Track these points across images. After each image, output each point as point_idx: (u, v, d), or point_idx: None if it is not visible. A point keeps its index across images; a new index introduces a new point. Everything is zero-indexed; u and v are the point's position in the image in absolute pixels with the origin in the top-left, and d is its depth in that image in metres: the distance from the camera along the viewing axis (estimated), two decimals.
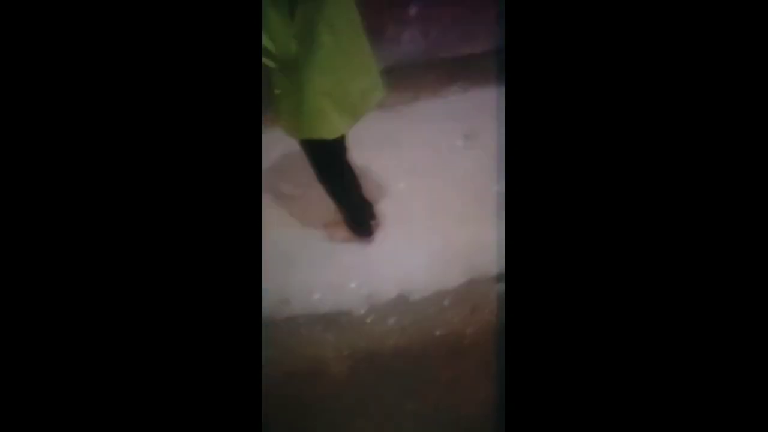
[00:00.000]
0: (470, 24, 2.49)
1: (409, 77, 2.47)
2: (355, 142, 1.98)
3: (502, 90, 2.19)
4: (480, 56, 2.46)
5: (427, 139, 2.29)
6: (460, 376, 1.59)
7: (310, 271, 1.92)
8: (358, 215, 1.87)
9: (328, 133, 1.43)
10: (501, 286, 1.81)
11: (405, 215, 2.04)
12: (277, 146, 1.97)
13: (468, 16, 2.49)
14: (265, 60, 1.21)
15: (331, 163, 1.64)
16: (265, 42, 1.17)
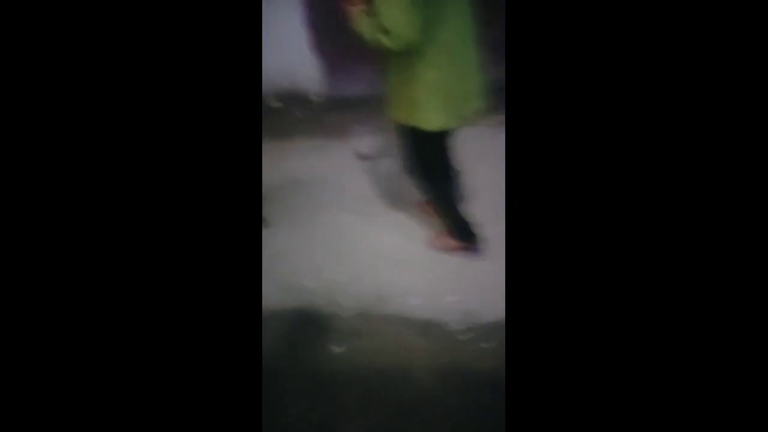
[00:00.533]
0: None
1: None
2: (472, 156, 1.95)
3: None
4: None
5: None
6: None
7: (411, 275, 1.90)
8: (460, 223, 1.80)
9: (426, 123, 1.46)
10: None
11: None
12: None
13: None
14: (385, 39, 1.28)
15: (430, 160, 1.63)
16: (389, 22, 1.24)
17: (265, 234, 2.08)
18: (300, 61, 2.78)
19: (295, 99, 2.90)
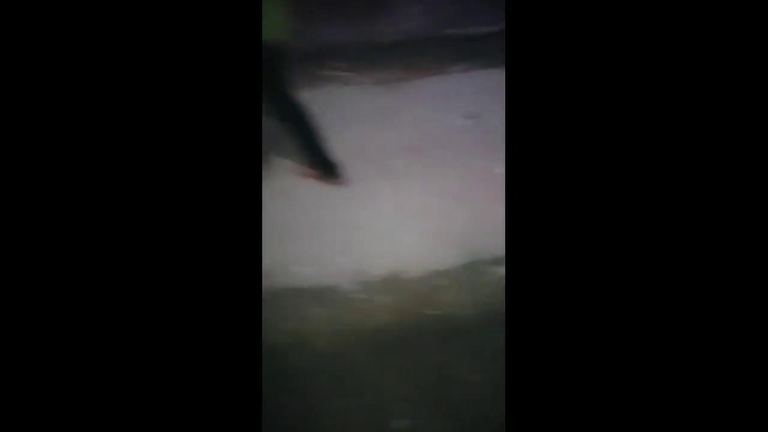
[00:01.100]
0: (477, 3, 2.42)
1: (411, 54, 2.39)
2: (352, 117, 1.90)
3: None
4: (485, 36, 2.39)
5: (426, 117, 2.20)
6: (452, 358, 1.50)
7: (295, 243, 1.82)
8: (319, 155, 1.99)
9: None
10: (499, 270, 1.72)
11: (401, 193, 1.95)
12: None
13: None
14: None
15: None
16: None
17: None
18: None
19: None
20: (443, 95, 2.27)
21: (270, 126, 1.98)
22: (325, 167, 2.03)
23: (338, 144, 2.01)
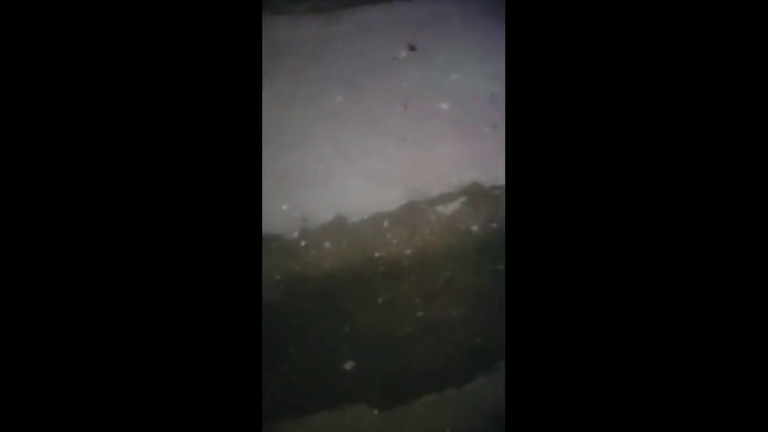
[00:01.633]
0: None
1: None
2: (286, 47, 1.75)
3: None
4: None
5: (367, 49, 2.08)
6: (396, 297, 1.55)
7: None
8: None
9: None
10: (440, 208, 1.74)
11: (342, 132, 1.88)
12: None
13: None
14: None
15: None
16: None
17: None
18: None
19: None
20: (386, 25, 2.13)
21: None
22: None
23: (271, 79, 1.87)
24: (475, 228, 1.70)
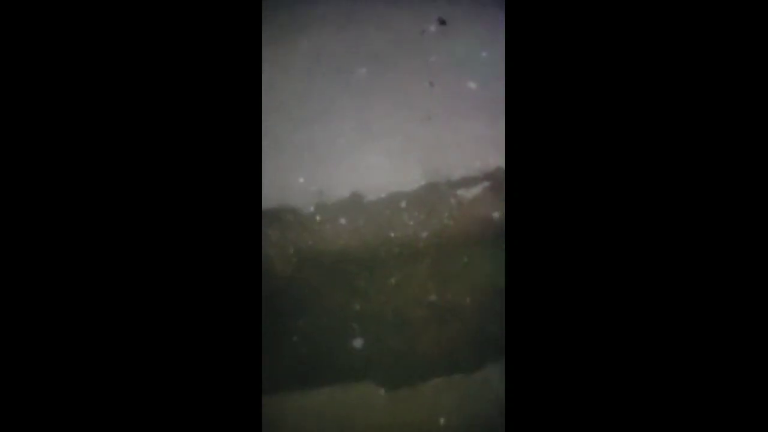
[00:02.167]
0: None
1: None
2: (312, 18, 1.70)
3: None
4: None
5: (394, 21, 2.00)
6: (409, 280, 1.53)
7: None
8: None
9: None
10: (462, 192, 1.70)
11: (364, 107, 1.83)
12: None
13: None
14: None
15: None
16: None
17: None
18: None
19: None
20: None
21: None
22: None
23: (294, 51, 1.82)
24: (496, 215, 1.65)
